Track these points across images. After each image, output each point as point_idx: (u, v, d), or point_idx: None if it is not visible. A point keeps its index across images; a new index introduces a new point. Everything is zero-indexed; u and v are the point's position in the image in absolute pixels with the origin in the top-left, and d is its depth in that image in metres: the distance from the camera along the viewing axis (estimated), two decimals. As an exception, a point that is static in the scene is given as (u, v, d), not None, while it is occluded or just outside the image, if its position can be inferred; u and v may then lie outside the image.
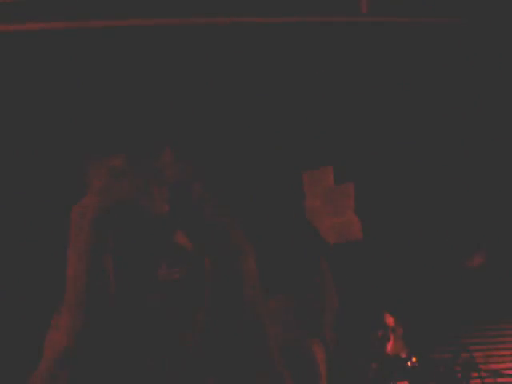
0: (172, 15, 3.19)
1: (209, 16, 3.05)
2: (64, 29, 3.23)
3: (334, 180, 3.22)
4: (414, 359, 3.11)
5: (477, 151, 3.76)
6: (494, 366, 4.10)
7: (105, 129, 3.19)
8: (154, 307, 0.85)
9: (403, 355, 3.30)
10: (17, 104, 3.31)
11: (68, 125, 3.28)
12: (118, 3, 3.18)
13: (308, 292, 1.14)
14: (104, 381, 0.77)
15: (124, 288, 0.82)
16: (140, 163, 0.82)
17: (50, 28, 3.21)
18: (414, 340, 3.56)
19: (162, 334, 0.86)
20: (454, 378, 3.27)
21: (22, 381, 0.84)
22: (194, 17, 3.05)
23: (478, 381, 3.60)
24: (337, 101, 3.39)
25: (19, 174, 3.39)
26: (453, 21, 3.31)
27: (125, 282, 0.83)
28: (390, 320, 3.59)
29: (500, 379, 4.01)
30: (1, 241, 3.34)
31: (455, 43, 3.40)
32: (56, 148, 3.33)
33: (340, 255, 3.50)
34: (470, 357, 3.44)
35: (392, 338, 3.50)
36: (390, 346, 3.43)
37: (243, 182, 3.10)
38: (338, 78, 3.37)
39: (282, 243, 1.18)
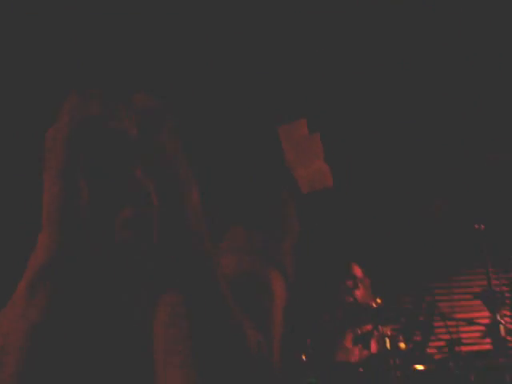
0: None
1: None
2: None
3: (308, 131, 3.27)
4: (378, 300, 3.22)
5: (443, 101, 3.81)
6: (460, 316, 4.25)
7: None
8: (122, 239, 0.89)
9: (371, 303, 3.42)
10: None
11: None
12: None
13: (268, 221, 1.12)
14: (82, 296, 0.80)
15: (96, 212, 0.85)
16: (109, 89, 0.84)
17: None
18: (380, 284, 3.69)
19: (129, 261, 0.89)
20: (417, 321, 3.40)
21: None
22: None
23: (443, 326, 3.73)
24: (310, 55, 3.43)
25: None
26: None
27: (97, 206, 0.85)
28: (358, 271, 3.71)
29: (464, 328, 4.17)
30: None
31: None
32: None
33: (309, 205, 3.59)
34: (433, 300, 3.56)
35: (361, 287, 3.63)
36: (358, 295, 3.55)
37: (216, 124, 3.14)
38: (311, 33, 3.38)
39: (245, 173, 1.20)
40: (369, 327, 3.30)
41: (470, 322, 3.98)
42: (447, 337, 3.66)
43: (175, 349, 0.76)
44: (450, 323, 3.81)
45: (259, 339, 0.80)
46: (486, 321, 3.97)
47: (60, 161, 0.81)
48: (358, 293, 3.57)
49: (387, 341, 3.12)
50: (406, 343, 3.21)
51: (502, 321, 3.55)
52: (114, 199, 0.87)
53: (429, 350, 3.46)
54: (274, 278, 0.97)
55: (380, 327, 3.14)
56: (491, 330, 3.64)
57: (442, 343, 3.65)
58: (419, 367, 3.18)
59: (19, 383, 0.73)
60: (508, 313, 4.07)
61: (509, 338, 3.51)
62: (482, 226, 4.18)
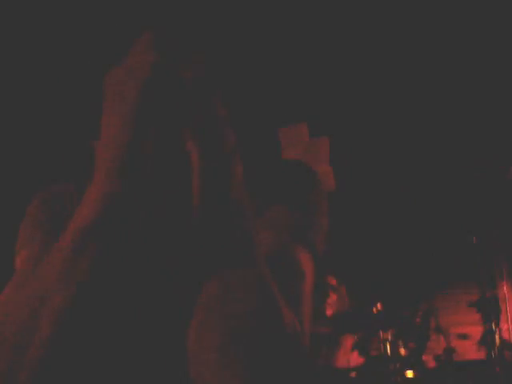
0: None
1: None
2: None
3: (310, 134, 3.31)
4: (379, 306, 3.23)
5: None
6: (455, 330, 4.26)
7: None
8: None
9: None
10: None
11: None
12: None
13: (302, 205, 1.08)
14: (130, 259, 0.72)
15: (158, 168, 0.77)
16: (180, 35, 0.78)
17: None
18: (380, 291, 3.70)
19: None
20: (413, 328, 3.41)
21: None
22: None
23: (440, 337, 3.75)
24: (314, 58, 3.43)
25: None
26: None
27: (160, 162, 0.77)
28: (332, 280, 3.71)
29: (457, 342, 4.18)
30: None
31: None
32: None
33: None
34: (429, 308, 3.58)
35: (335, 297, 3.62)
36: (331, 304, 3.55)
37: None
38: (315, 36, 3.37)
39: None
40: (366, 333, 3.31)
41: (464, 336, 3.99)
42: (443, 346, 3.70)
43: (212, 327, 0.71)
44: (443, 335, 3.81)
45: (295, 320, 0.75)
46: (478, 335, 4.02)
47: (135, 106, 0.70)
48: (330, 301, 3.56)
49: (388, 346, 3.12)
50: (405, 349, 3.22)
51: (497, 330, 3.59)
52: (173, 158, 0.79)
53: (424, 358, 3.47)
54: (304, 258, 0.92)
55: (381, 332, 3.14)
56: (486, 339, 3.67)
57: (437, 351, 3.66)
58: (410, 374, 3.19)
59: (51, 349, 0.64)
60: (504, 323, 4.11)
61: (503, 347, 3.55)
62: (474, 239, 4.25)
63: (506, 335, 4.85)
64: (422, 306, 3.65)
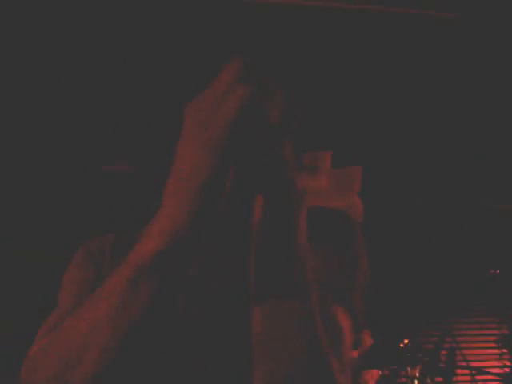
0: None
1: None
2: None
3: (339, 164, 3.26)
4: (406, 341, 3.16)
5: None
6: (476, 364, 4.18)
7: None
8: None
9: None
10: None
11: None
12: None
13: (341, 257, 1.01)
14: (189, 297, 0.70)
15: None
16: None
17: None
18: (403, 324, 3.65)
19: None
20: (438, 363, 3.34)
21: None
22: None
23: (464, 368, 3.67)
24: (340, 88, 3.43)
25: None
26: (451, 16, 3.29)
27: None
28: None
29: (480, 377, 4.09)
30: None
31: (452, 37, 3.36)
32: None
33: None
34: (453, 342, 3.51)
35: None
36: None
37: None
38: (340, 65, 3.37)
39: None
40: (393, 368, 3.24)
41: (483, 371, 3.90)
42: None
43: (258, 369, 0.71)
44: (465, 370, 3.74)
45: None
46: (496, 370, 3.95)
47: (221, 141, 0.64)
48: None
49: (416, 382, 3.06)
50: (432, 385, 3.15)
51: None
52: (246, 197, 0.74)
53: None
54: (342, 318, 0.91)
55: (409, 368, 3.08)
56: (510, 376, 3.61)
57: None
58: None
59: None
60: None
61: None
62: (497, 272, 4.19)
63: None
64: (446, 340, 3.58)
